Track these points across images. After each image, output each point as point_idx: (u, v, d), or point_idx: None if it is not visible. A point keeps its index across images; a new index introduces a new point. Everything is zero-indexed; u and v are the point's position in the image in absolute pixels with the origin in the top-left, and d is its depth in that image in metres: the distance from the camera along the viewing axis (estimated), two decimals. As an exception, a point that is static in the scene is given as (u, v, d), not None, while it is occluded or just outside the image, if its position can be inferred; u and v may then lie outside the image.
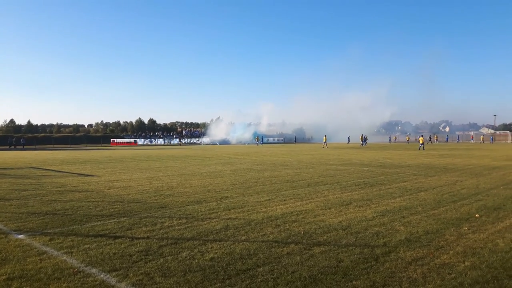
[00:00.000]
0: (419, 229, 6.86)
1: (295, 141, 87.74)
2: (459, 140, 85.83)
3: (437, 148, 48.06)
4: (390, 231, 6.72)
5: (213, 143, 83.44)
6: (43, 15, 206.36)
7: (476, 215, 7.95)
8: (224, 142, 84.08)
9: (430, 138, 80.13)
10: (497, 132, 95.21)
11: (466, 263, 5.06)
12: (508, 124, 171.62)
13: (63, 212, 8.54)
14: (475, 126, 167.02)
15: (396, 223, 7.31)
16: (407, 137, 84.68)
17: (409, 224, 7.25)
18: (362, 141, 62.80)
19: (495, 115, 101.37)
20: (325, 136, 59.81)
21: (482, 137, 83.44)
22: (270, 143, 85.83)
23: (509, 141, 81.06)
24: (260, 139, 77.92)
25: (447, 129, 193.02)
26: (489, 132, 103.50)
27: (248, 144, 72.16)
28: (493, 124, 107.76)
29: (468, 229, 6.83)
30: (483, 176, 15.27)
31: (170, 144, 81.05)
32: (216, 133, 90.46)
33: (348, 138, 72.74)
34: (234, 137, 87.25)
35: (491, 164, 21.35)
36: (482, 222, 7.36)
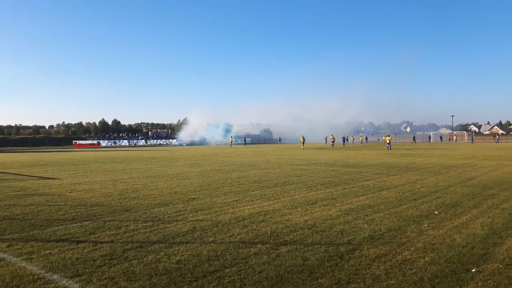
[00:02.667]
0: (382, 226, 7.07)
1: (279, 141, 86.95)
2: (441, 140, 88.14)
3: (399, 147, 49.59)
4: (354, 229, 6.89)
5: (180, 144, 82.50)
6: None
7: (435, 212, 8.28)
8: (193, 144, 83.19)
9: (414, 138, 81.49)
10: (454, 132, 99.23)
11: (426, 259, 5.26)
12: (464, 124, 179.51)
13: (23, 217, 8.21)
14: (434, 127, 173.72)
15: (360, 221, 7.50)
16: (360, 137, 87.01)
17: (372, 222, 7.46)
18: (343, 140, 64.92)
19: (452, 116, 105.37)
20: (303, 136, 56.30)
21: (455, 136, 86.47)
22: (250, 143, 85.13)
23: (465, 141, 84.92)
24: (233, 139, 77.40)
25: (408, 129, 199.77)
26: (447, 132, 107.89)
27: (232, 145, 70.83)
28: (451, 125, 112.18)
29: (428, 226, 7.10)
30: (442, 174, 15.90)
31: (135, 146, 79.46)
32: (184, 134, 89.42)
33: (326, 138, 71.79)
34: (209, 138, 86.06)
35: (449, 163, 22.26)
36: (441, 219, 7.67)
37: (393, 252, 5.58)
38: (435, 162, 23.00)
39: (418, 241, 6.11)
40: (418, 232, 6.66)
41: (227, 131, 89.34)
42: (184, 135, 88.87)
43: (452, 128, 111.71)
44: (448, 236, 6.39)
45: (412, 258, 5.31)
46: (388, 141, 47.18)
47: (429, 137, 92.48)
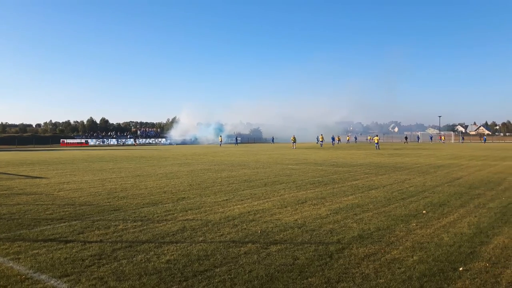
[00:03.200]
0: (370, 225, 7.13)
1: (272, 141, 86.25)
2: (431, 140, 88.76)
3: (387, 147, 50.01)
4: (344, 228, 6.94)
5: (170, 143, 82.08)
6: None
7: (423, 212, 8.37)
8: (183, 143, 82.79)
9: (406, 138, 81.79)
10: (442, 132, 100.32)
11: (414, 258, 5.32)
12: (452, 124, 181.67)
13: (9, 217, 8.10)
14: (421, 127, 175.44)
15: (349, 220, 7.55)
16: (347, 137, 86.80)
17: (361, 221, 7.52)
18: (332, 140, 64.82)
19: (440, 116, 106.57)
20: (294, 136, 55.32)
21: (443, 137, 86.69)
22: (240, 143, 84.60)
23: (452, 141, 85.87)
24: (235, 140, 77.07)
25: (396, 129, 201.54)
26: (435, 132, 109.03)
27: (222, 144, 70.15)
28: (438, 125, 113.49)
29: (416, 225, 7.18)
30: (430, 174, 16.08)
31: (124, 145, 78.84)
32: (175, 133, 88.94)
33: (317, 138, 71.11)
34: (202, 137, 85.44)
35: (436, 162, 22.53)
36: (428, 218, 7.76)
37: (382, 251, 5.63)
38: (422, 162, 23.25)
39: (406, 240, 6.17)
40: (406, 231, 6.73)
41: (219, 130, 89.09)
42: (175, 134, 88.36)
43: (440, 129, 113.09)
44: (436, 235, 6.47)
45: (400, 257, 5.37)
46: (376, 141, 47.60)
47: (418, 137, 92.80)
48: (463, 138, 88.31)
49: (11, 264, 5.13)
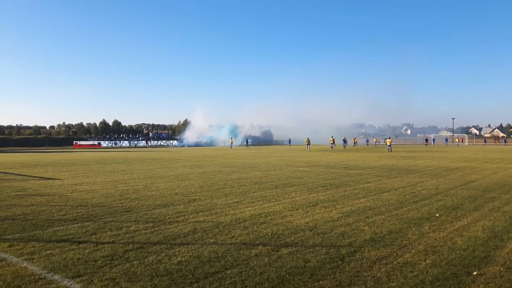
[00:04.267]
0: (383, 229, 7.07)
1: (289, 142, 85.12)
2: (446, 142, 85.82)
3: (400, 150, 49.58)
4: (355, 231, 6.89)
5: (181, 145, 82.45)
6: (1, 14, 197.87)
7: (436, 215, 8.27)
8: (198, 145, 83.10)
9: (426, 140, 78.60)
10: (455, 134, 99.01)
11: (427, 261, 5.26)
12: (465, 127, 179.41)
13: (24, 217, 8.22)
14: (435, 129, 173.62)
15: (361, 223, 7.49)
16: (353, 139, 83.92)
17: (373, 224, 7.45)
18: (344, 143, 63.88)
19: (453, 119, 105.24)
20: (308, 138, 53.20)
21: (457, 139, 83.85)
22: (251, 145, 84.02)
23: (466, 143, 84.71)
24: (245, 142, 76.73)
25: (408, 131, 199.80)
26: (448, 134, 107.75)
27: (232, 146, 69.70)
28: (452, 127, 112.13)
29: (429, 228, 7.09)
30: (443, 177, 15.89)
31: (136, 147, 79.47)
32: (189, 135, 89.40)
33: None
34: (218, 139, 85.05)
35: (449, 165, 22.26)
36: (441, 221, 7.67)
37: (394, 254, 5.58)
38: (435, 164, 22.99)
39: (419, 244, 6.10)
40: (419, 235, 6.65)
41: (233, 131, 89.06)
42: (188, 136, 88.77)
43: (453, 131, 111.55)
44: (449, 239, 6.39)
45: (413, 260, 5.31)
46: (388, 143, 47.17)
47: (433, 139, 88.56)
48: (485, 141, 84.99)
49: (25, 264, 5.20)
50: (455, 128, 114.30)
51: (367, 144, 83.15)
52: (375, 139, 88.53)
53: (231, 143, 70.81)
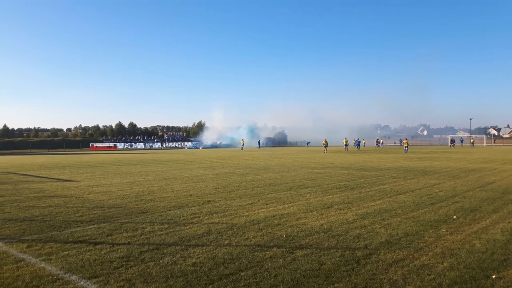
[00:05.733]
0: (399, 231, 6.98)
1: (307, 144, 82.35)
2: (462, 143, 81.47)
3: (416, 151, 48.95)
4: (371, 234, 6.82)
5: (196, 147, 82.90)
6: (19, 17, 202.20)
7: (454, 217, 8.13)
8: (215, 146, 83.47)
9: (453, 141, 75.02)
10: (473, 135, 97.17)
11: (444, 264, 5.17)
12: (483, 127, 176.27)
13: (41, 218, 8.36)
14: (452, 130, 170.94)
15: (376, 226, 7.41)
16: (363, 140, 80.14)
17: (389, 226, 7.37)
18: (357, 144, 62.80)
19: (471, 119, 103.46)
20: (325, 139, 51.09)
21: (472, 140, 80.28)
22: (264, 146, 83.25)
23: (484, 144, 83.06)
24: (257, 143, 76.15)
25: (425, 132, 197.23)
26: (465, 135, 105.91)
27: (243, 148, 69.28)
28: (469, 128, 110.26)
29: (446, 231, 6.98)
30: (460, 178, 15.63)
31: (151, 148, 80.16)
32: (206, 136, 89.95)
33: (362, 142, 65.95)
34: (238, 139, 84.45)
35: (467, 166, 21.88)
36: (459, 224, 7.53)
37: (411, 257, 5.50)
38: (453, 165, 22.63)
39: (436, 246, 6.01)
40: (436, 237, 6.55)
41: (251, 132, 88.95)
42: (207, 137, 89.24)
43: (471, 131, 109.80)
44: (467, 242, 6.27)
45: (430, 263, 5.23)
46: (406, 145, 46.55)
47: (453, 140, 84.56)
48: (494, 141, 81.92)
49: (43, 265, 5.28)
50: (473, 128, 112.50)
51: (377, 146, 76.17)
52: (381, 140, 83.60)
53: (242, 145, 70.63)
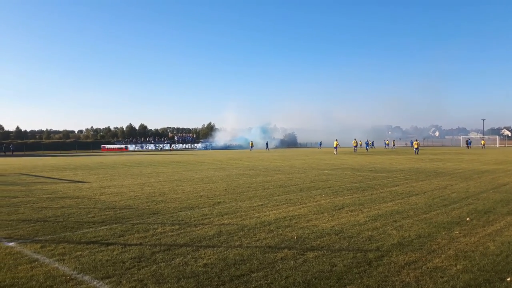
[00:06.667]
0: (411, 233, 6.92)
1: (319, 145, 79.33)
2: (470, 145, 78.79)
3: (427, 152, 48.48)
4: (383, 235, 6.77)
5: (206, 149, 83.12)
6: (32, 21, 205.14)
7: (467, 219, 8.04)
8: (228, 147, 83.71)
9: (469, 143, 72.46)
10: (486, 136, 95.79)
11: (458, 267, 5.11)
12: (497, 128, 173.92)
13: (54, 219, 8.45)
14: (464, 131, 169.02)
15: (388, 227, 7.36)
16: (386, 141, 77.90)
17: (401, 228, 7.30)
18: (366, 145, 61.69)
19: (483, 120, 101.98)
20: (336, 140, 49.56)
21: (483, 141, 77.84)
22: (277, 147, 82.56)
23: (497, 145, 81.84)
24: (265, 145, 75.62)
25: (436, 133, 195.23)
26: (478, 136, 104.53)
27: (252, 149, 68.94)
28: (482, 129, 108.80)
29: (460, 233, 6.89)
30: (473, 180, 15.44)
31: (161, 150, 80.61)
32: (220, 138, 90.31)
33: (372, 142, 64.42)
34: (250, 140, 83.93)
35: (480, 168, 21.60)
36: (473, 226, 7.44)
37: (423, 259, 5.44)
38: (465, 167, 22.37)
39: (449, 248, 5.94)
40: (449, 239, 6.48)
41: (264, 131, 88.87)
42: (220, 138, 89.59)
43: (483, 132, 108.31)
44: (481, 244, 6.19)
45: (443, 265, 5.17)
46: (416, 146, 46.09)
47: (469, 142, 78.18)
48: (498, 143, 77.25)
49: (56, 265, 5.34)
50: (485, 129, 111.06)
51: (388, 146, 74.71)
52: (386, 141, 79.79)
53: (251, 146, 70.31)
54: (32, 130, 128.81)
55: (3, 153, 64.11)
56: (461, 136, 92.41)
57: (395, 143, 72.90)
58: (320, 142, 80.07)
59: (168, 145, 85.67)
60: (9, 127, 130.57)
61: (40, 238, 6.82)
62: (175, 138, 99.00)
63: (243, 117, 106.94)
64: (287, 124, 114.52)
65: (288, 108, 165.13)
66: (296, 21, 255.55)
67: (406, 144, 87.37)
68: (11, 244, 6.48)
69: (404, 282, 4.59)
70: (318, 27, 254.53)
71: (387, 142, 49.00)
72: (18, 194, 12.68)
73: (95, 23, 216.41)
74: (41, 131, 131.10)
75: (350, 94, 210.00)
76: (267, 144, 75.51)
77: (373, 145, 60.83)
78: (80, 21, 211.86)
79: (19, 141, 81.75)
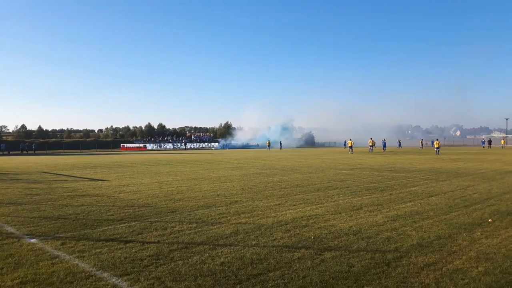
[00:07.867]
0: (431, 234, 6.79)
1: (344, 145, 79.47)
2: (483, 145, 71.70)
3: (448, 152, 47.58)
4: (402, 236, 6.66)
5: (223, 148, 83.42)
6: (54, 22, 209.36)
7: (489, 220, 7.85)
8: (246, 146, 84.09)
9: (490, 142, 69.15)
10: (509, 136, 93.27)
11: (479, 269, 5.00)
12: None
13: (75, 217, 8.61)
14: (486, 130, 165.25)
15: (407, 228, 7.24)
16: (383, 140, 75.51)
17: (420, 229, 7.18)
18: (384, 145, 60.27)
19: (507, 119, 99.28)
20: (351, 140, 49.23)
21: (503, 141, 71.52)
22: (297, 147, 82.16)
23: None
24: (279, 144, 75.71)
25: (458, 133, 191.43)
26: (501, 135, 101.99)
27: (269, 148, 68.82)
28: (505, 128, 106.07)
29: (481, 234, 6.74)
30: (496, 180, 15.08)
31: (179, 149, 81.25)
32: (240, 137, 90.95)
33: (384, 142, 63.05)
34: (272, 138, 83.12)
35: (503, 168, 21.09)
36: (495, 227, 7.26)
37: (443, 260, 5.34)
38: (487, 167, 21.87)
39: (470, 250, 5.81)
40: (470, 241, 6.34)
41: (284, 129, 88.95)
42: (239, 138, 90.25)
43: (507, 132, 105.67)
44: (504, 246, 6.04)
45: (464, 267, 5.06)
46: (437, 146, 45.13)
47: (490, 141, 72.08)
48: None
49: (76, 262, 5.43)
50: (509, 128, 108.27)
51: (399, 147, 70.67)
52: (398, 141, 77.09)
53: (268, 145, 70.21)
54: (53, 129, 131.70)
55: (25, 152, 65.70)
56: (483, 136, 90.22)
57: (401, 142, 71.26)
58: (345, 142, 78.43)
59: (184, 144, 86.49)
60: (32, 126, 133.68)
61: (60, 235, 6.95)
62: (193, 137, 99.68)
63: (264, 116, 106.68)
64: (306, 124, 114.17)
65: (308, 108, 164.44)
66: (315, 24, 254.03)
67: (426, 143, 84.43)
68: (33, 240, 6.63)
69: (423, 284, 4.51)
70: (334, 30, 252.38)
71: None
72: (39, 192, 12.96)
73: (116, 26, 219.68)
74: (62, 130, 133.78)
75: (372, 94, 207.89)
76: (280, 143, 75.70)
77: (385, 145, 59.36)
78: (102, 24, 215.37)
79: (41, 140, 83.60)
